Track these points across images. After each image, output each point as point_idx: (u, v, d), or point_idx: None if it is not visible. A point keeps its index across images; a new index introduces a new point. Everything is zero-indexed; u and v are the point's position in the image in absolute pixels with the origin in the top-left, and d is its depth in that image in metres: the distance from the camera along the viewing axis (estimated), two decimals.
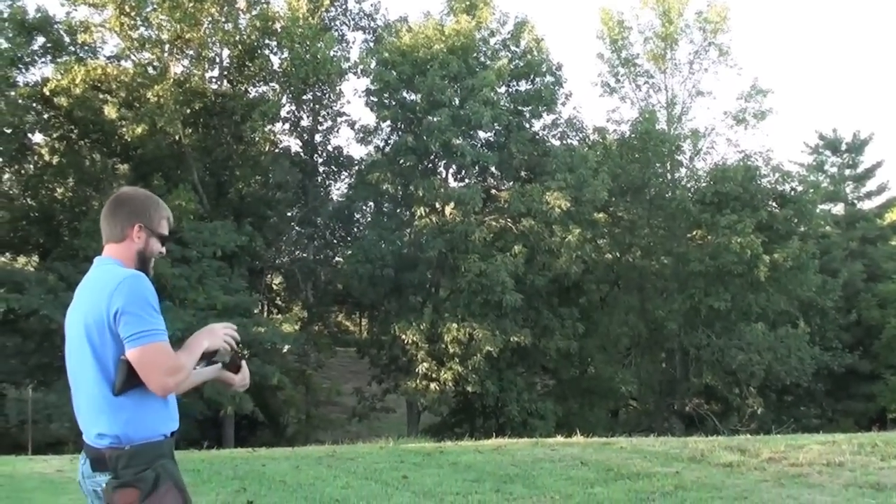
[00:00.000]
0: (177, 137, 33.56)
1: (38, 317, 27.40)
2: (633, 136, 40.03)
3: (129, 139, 33.38)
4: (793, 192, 39.73)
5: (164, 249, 4.04)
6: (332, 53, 35.58)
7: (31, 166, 35.45)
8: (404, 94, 35.77)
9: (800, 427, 29.83)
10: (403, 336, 33.01)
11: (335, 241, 43.63)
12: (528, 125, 36.94)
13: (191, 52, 34.87)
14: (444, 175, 36.69)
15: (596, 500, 9.28)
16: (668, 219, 39.17)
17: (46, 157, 35.35)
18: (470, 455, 12.63)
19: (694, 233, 39.56)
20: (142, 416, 3.69)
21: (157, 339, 3.65)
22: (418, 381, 32.87)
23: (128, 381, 3.62)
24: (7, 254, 36.52)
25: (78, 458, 3.77)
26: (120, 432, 3.67)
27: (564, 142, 38.25)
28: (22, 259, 37.54)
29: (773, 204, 39.34)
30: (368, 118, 53.13)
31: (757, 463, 11.01)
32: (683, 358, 40.06)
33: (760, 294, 36.28)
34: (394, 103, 35.60)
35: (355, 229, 42.28)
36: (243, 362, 4.13)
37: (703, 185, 39.73)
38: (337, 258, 42.39)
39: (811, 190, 40.68)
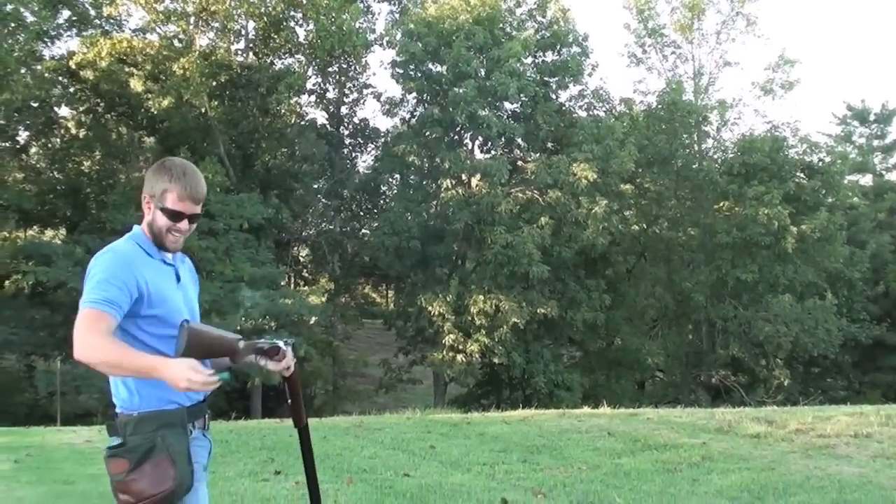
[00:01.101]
0: (203, 110, 33.62)
1: (65, 289, 27.56)
2: (659, 106, 39.75)
3: (155, 112, 33.45)
4: (820, 163, 39.43)
5: (180, 225, 3.72)
6: (357, 25, 35.54)
7: (58, 140, 35.59)
8: (430, 65, 35.68)
9: (827, 399, 29.82)
10: (430, 308, 33.03)
11: (361, 214, 43.62)
12: (554, 96, 36.81)
13: (216, 25, 34.86)
14: (470, 147, 36.65)
15: (623, 470, 9.28)
16: (695, 190, 38.94)
17: (73, 131, 35.50)
18: (497, 426, 12.65)
19: (721, 204, 39.34)
20: (155, 382, 3.51)
21: (87, 307, 3.49)
22: (445, 352, 32.88)
23: (187, 348, 3.46)
24: (35, 227, 36.74)
25: (106, 430, 3.76)
26: (129, 397, 3.65)
27: (591, 113, 38.11)
28: (49, 232, 37.74)
29: (801, 175, 39.06)
30: (394, 90, 53.04)
31: (784, 434, 10.98)
32: (710, 329, 39.92)
33: (788, 265, 36.06)
34: (419, 75, 35.53)
35: (381, 201, 42.23)
36: (288, 349, 3.79)
37: (731, 156, 39.45)
38: (363, 230, 42.41)
39: (839, 161, 40.30)
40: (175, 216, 3.70)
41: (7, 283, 30.10)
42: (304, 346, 29.68)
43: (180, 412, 3.69)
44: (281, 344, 3.74)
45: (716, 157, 40.76)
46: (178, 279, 3.85)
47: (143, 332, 3.65)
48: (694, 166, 39.50)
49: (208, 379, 3.37)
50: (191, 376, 3.34)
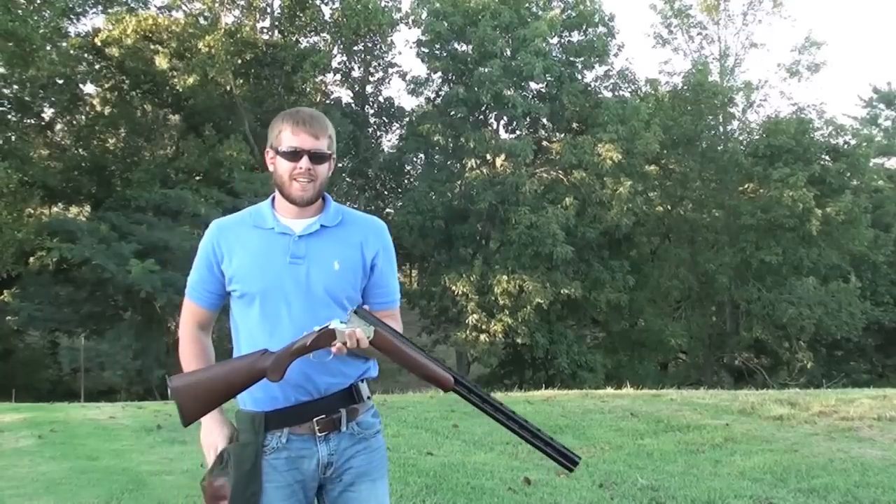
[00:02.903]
0: (228, 88, 33.64)
1: (90, 266, 27.65)
2: (685, 88, 39.63)
3: (180, 90, 33.53)
4: (846, 146, 39.22)
5: (300, 164, 3.19)
6: (383, 4, 35.58)
7: (83, 117, 35.67)
8: (455, 44, 35.69)
9: (850, 382, 29.68)
10: (453, 287, 33.09)
11: (386, 193, 43.69)
12: (579, 76, 36.72)
13: (241, 3, 34.88)
14: (494, 126, 36.62)
15: (646, 451, 9.28)
16: (720, 171, 38.80)
17: (98, 108, 35.57)
18: (520, 406, 12.65)
19: (746, 186, 39.21)
20: None
21: (186, 293, 3.38)
22: (468, 332, 32.92)
23: (182, 411, 3.14)
24: (60, 203, 36.83)
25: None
26: None
27: (616, 93, 37.97)
28: (74, 209, 37.85)
29: (826, 157, 38.89)
30: (419, 69, 52.93)
31: (807, 416, 10.95)
32: (733, 311, 39.85)
33: (812, 248, 35.92)
34: (445, 54, 35.56)
35: (406, 181, 42.28)
36: (343, 325, 3.03)
37: (756, 137, 39.32)
38: (388, 209, 42.44)
39: (864, 144, 40.00)
40: (292, 155, 3.19)
41: (32, 259, 30.22)
42: None
43: (258, 417, 3.22)
44: (331, 326, 3.05)
45: (741, 138, 40.61)
46: (297, 253, 3.22)
47: (240, 312, 3.29)
48: (719, 148, 39.39)
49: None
50: (208, 452, 3.24)
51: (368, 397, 3.38)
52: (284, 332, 3.14)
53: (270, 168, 3.30)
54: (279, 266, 3.20)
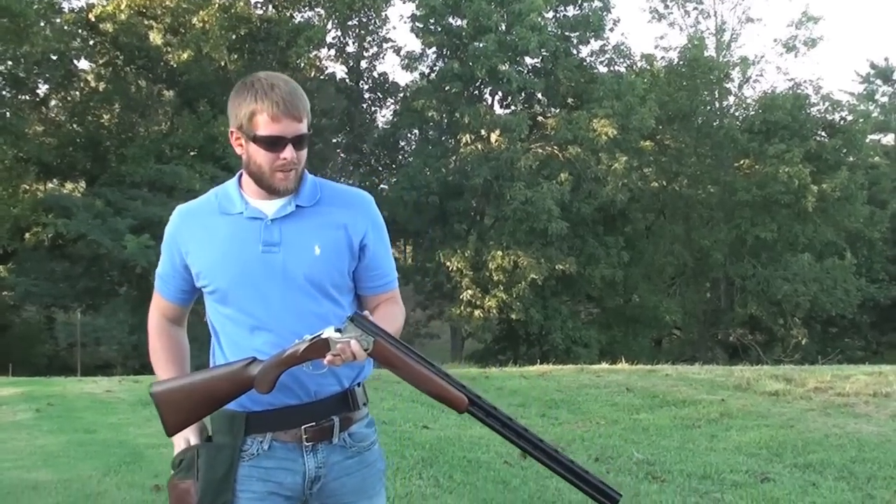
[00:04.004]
0: (222, 63, 33.54)
1: (85, 241, 27.72)
2: (681, 63, 39.55)
3: (174, 65, 33.42)
4: (842, 122, 39.22)
5: (284, 155, 2.73)
6: None
7: (78, 93, 35.57)
8: (450, 19, 35.57)
9: (844, 359, 29.74)
10: (448, 263, 33.10)
11: (380, 168, 43.65)
12: (575, 51, 36.63)
13: None
14: (489, 102, 36.54)
15: (641, 426, 9.32)
16: (716, 147, 38.78)
17: (92, 84, 35.44)
18: (515, 380, 12.69)
19: (741, 162, 39.19)
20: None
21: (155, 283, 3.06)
22: (463, 307, 32.98)
23: (164, 420, 2.83)
24: (55, 179, 36.78)
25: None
26: None
27: (612, 69, 37.85)
28: (69, 185, 37.78)
29: (822, 133, 38.91)
30: (414, 44, 52.92)
31: (803, 392, 10.97)
32: (728, 288, 39.88)
33: (807, 224, 35.96)
34: (439, 29, 35.43)
35: (400, 156, 42.25)
36: (339, 334, 2.62)
37: (752, 113, 39.27)
38: (382, 185, 42.39)
39: (861, 120, 39.99)
40: (273, 143, 2.72)
41: (27, 235, 30.24)
42: None
43: (238, 417, 2.83)
44: (324, 335, 2.65)
45: (737, 114, 40.58)
46: (270, 240, 2.80)
47: (214, 311, 2.89)
48: (715, 123, 39.36)
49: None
50: (176, 447, 2.87)
51: (364, 404, 2.98)
52: (265, 329, 2.78)
53: (239, 151, 2.84)
54: (251, 256, 2.79)
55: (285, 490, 2.82)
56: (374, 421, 3.05)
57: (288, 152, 2.73)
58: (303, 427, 2.80)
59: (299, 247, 2.80)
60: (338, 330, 2.65)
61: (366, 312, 2.71)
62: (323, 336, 2.63)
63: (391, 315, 2.91)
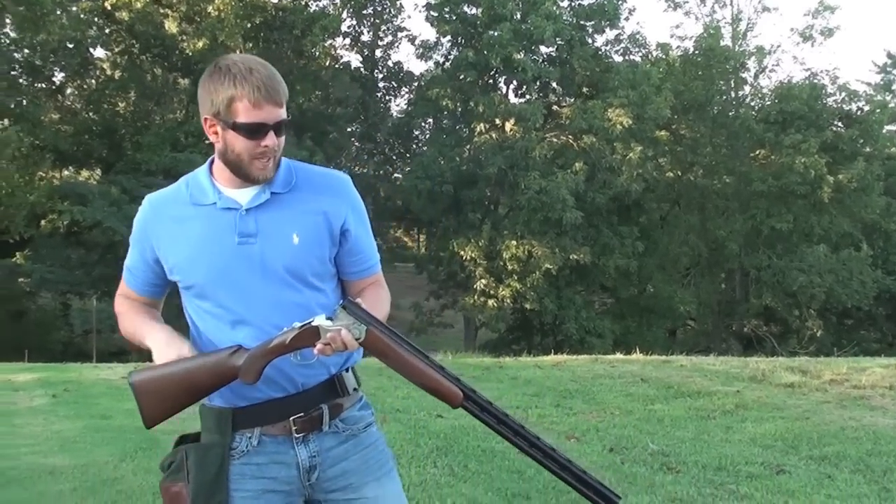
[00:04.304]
0: (237, 52, 33.54)
1: (101, 229, 27.81)
2: (696, 52, 39.44)
3: (190, 53, 33.45)
4: (859, 112, 39.04)
5: (265, 142, 2.57)
6: None
7: (94, 81, 35.69)
8: (465, 7, 35.56)
9: (860, 351, 29.68)
10: (462, 252, 33.09)
11: (395, 157, 43.70)
12: (590, 40, 36.54)
13: None
14: (504, 91, 36.51)
15: (656, 416, 9.29)
16: (731, 137, 38.66)
17: (108, 72, 35.56)
18: (529, 370, 12.68)
19: (757, 152, 39.08)
20: None
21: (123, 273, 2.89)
22: (476, 297, 32.97)
23: (142, 410, 2.69)
24: (71, 167, 36.91)
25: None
26: None
27: (627, 58, 37.79)
28: (85, 172, 37.88)
29: (839, 124, 38.75)
30: (429, 33, 52.94)
31: (818, 384, 10.94)
32: (743, 279, 39.79)
33: (823, 215, 35.85)
34: (454, 17, 35.38)
35: (415, 145, 42.28)
36: (330, 322, 2.50)
37: (768, 103, 39.17)
38: (396, 174, 42.47)
39: (878, 110, 39.75)
40: (254, 131, 2.56)
41: (43, 222, 30.34)
42: None
43: (224, 413, 2.72)
44: (314, 322, 2.53)
45: (753, 104, 40.44)
46: (246, 231, 2.66)
47: (191, 306, 2.76)
48: (730, 113, 39.23)
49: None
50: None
51: (355, 388, 2.85)
52: (246, 324, 2.65)
53: (213, 139, 2.68)
54: (227, 249, 2.64)
55: (281, 485, 2.72)
56: (368, 403, 2.92)
57: (269, 139, 2.58)
58: (291, 418, 2.69)
59: (277, 236, 2.67)
60: (328, 318, 2.53)
61: (358, 300, 2.59)
62: (313, 324, 2.52)
63: (379, 300, 2.81)
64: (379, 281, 2.93)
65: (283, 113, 2.61)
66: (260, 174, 2.63)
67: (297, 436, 2.70)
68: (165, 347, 2.63)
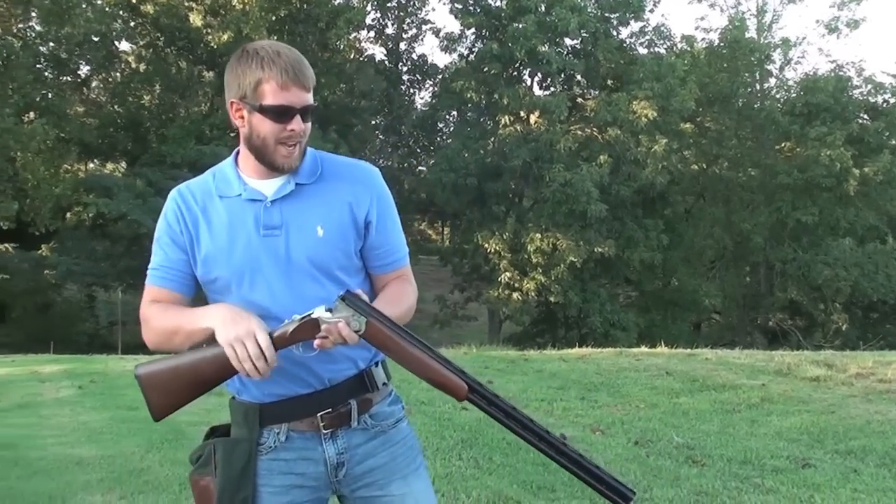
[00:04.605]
0: None
1: (126, 221, 27.94)
2: (721, 44, 39.27)
3: (214, 46, 33.52)
4: (885, 105, 38.79)
5: (291, 126, 2.54)
6: None
7: (119, 74, 35.87)
8: (489, 0, 35.45)
9: (886, 345, 29.51)
10: (486, 245, 33.07)
11: (419, 150, 43.71)
12: (615, 32, 36.38)
13: None
14: (529, 83, 36.39)
15: (681, 409, 9.29)
16: (757, 130, 38.50)
17: (133, 65, 35.72)
18: (554, 363, 12.67)
19: (782, 144, 38.88)
20: None
21: (147, 280, 2.75)
22: (500, 290, 32.93)
23: (148, 402, 2.64)
24: (96, 160, 37.10)
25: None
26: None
27: (652, 50, 37.63)
28: (110, 165, 38.07)
29: (865, 116, 38.51)
30: (453, 26, 52.89)
31: (844, 378, 10.92)
32: (768, 272, 39.62)
33: (849, 208, 35.64)
34: (479, 10, 35.35)
35: (439, 138, 42.27)
36: (330, 314, 2.45)
37: (793, 95, 38.96)
38: (420, 167, 42.47)
39: None
40: (281, 113, 2.53)
41: (69, 215, 30.53)
42: None
43: (251, 408, 2.68)
44: (314, 314, 2.48)
45: (778, 96, 40.25)
46: (270, 223, 2.61)
47: (213, 300, 2.69)
48: (755, 106, 39.06)
49: (266, 354, 2.42)
50: (246, 344, 2.42)
51: (385, 383, 2.80)
52: (270, 318, 2.54)
53: (239, 124, 2.64)
54: (252, 241, 2.61)
55: (309, 481, 2.69)
56: (399, 398, 2.89)
57: (296, 123, 2.55)
58: (319, 414, 2.65)
59: (301, 228, 2.62)
60: (328, 310, 2.47)
61: (358, 291, 2.51)
62: (313, 316, 2.47)
63: (399, 295, 2.75)
64: (405, 276, 2.85)
65: (309, 98, 2.58)
66: (284, 161, 2.59)
67: (324, 432, 2.66)
68: (235, 318, 2.48)
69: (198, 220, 2.65)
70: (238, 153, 2.72)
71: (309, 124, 2.62)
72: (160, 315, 2.65)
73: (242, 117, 2.59)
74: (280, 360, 2.49)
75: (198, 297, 2.76)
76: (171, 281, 2.69)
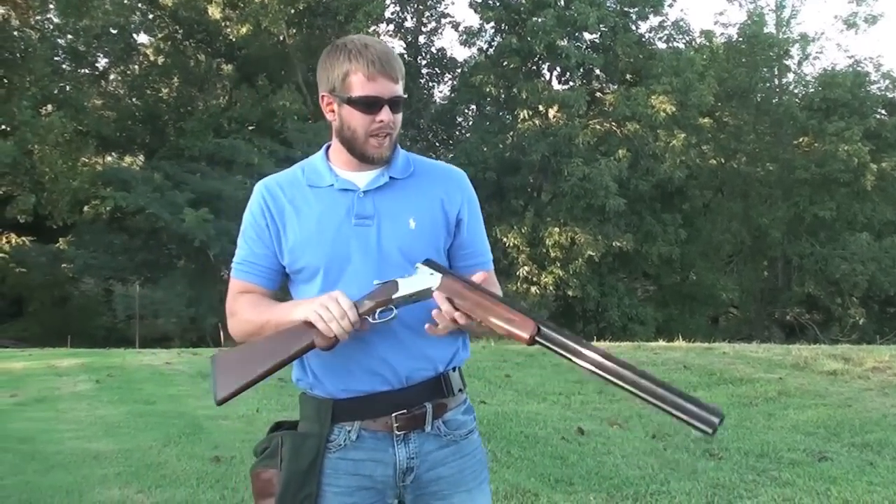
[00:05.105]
0: (281, 38, 33.67)
1: (144, 215, 27.96)
2: (740, 39, 39.19)
3: (233, 39, 33.64)
4: None
5: (381, 117, 2.57)
6: None
7: (137, 66, 35.90)
8: None
9: None
10: (504, 239, 33.01)
11: (437, 144, 43.63)
12: (634, 27, 36.27)
13: None
14: (548, 77, 36.36)
15: None
16: (775, 125, 38.43)
17: (151, 58, 35.74)
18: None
19: (800, 139, 38.77)
20: (321, 357, 2.62)
21: (231, 273, 2.77)
22: (519, 284, 32.90)
23: (216, 386, 2.59)
24: (114, 153, 37.15)
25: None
26: (302, 369, 2.72)
27: (670, 45, 37.55)
28: (128, 158, 38.15)
29: (883, 111, 38.42)
30: (472, 19, 52.92)
31: (861, 372, 10.90)
32: (786, 266, 39.52)
33: (866, 203, 35.55)
34: (498, 4, 35.33)
35: (458, 132, 42.20)
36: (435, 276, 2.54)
37: (811, 90, 38.86)
38: (439, 161, 42.45)
39: None
40: (370, 104, 2.56)
41: (86, 208, 30.55)
42: None
43: (324, 404, 2.65)
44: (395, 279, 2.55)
45: (796, 91, 40.15)
46: (363, 213, 2.63)
47: (298, 291, 2.72)
48: (774, 101, 38.98)
49: (349, 314, 2.44)
50: (329, 306, 2.44)
51: (460, 390, 2.76)
52: None
53: (330, 117, 2.67)
54: (344, 230, 2.61)
55: (376, 483, 2.64)
56: (472, 408, 2.85)
57: (385, 114, 2.57)
58: (394, 415, 2.61)
59: (394, 220, 2.64)
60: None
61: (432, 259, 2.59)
62: (394, 279, 2.51)
63: (489, 285, 2.67)
64: (490, 279, 2.79)
65: (398, 89, 2.61)
66: (375, 153, 2.62)
67: (397, 433, 2.63)
68: (321, 298, 2.49)
69: (284, 210, 2.66)
70: (328, 147, 2.76)
71: (399, 115, 2.64)
72: (249, 308, 2.67)
73: (333, 110, 2.64)
74: (361, 354, 2.57)
75: (281, 291, 2.79)
76: (255, 276, 2.71)
